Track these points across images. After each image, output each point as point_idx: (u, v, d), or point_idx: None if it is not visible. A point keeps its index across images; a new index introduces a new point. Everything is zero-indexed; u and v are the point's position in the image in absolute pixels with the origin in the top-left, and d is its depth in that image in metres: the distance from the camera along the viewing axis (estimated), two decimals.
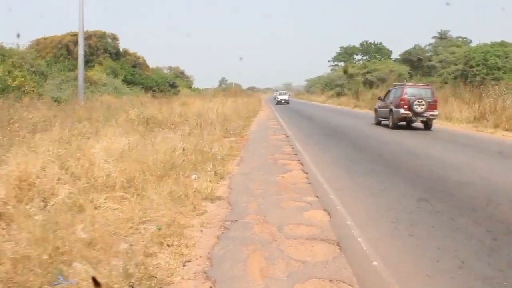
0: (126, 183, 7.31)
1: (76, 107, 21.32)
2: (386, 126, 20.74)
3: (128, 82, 48.68)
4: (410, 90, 20.42)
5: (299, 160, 11.25)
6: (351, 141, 15.55)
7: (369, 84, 58.73)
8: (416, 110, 19.32)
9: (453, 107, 26.31)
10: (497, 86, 23.64)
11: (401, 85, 22.08)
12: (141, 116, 18.44)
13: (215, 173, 9.09)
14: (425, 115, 19.57)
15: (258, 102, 54.00)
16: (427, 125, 20.04)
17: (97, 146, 9.03)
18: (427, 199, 7.03)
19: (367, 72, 64.52)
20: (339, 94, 66.81)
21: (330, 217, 6.17)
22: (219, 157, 11.72)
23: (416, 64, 73.30)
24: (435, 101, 20.44)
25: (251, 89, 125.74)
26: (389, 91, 22.82)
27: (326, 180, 8.71)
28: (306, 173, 9.52)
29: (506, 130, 18.71)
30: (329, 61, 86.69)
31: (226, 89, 78.03)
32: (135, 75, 52.21)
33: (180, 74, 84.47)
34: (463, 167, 10.21)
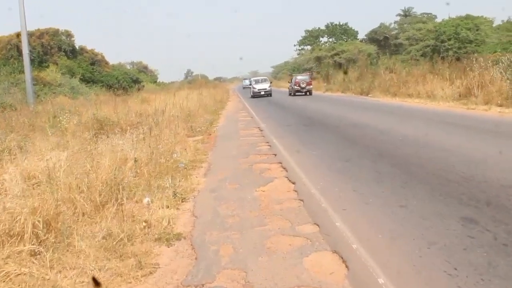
0: (44, 227, 5.05)
1: (24, 112, 18.90)
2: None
3: (86, 81, 46.12)
4: (299, 77, 40.45)
5: (280, 163, 9.13)
6: (338, 132, 13.45)
7: (338, 66, 57.08)
8: (302, 86, 38.12)
9: (433, 84, 24.61)
10: (481, 59, 21.89)
11: (295, 75, 43.71)
12: (94, 118, 16.05)
13: (174, 194, 6.88)
14: (306, 88, 38.21)
15: (226, 92, 51.61)
16: (308, 93, 38.26)
17: (11, 170, 6.73)
18: None
19: (335, 54, 62.83)
20: None
21: (347, 268, 4.01)
22: (182, 165, 9.54)
23: (383, 43, 72.43)
24: (310, 82, 39.39)
25: (218, 79, 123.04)
26: (292, 77, 43.50)
27: (322, 192, 6.58)
28: (293, 183, 7.39)
29: (500, 106, 16.94)
30: (295, 45, 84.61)
31: (192, 81, 75.30)
32: (94, 73, 49.50)
33: (143, 69, 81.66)
34: (496, 161, 8.17)
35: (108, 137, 14.32)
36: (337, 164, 8.71)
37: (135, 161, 8.59)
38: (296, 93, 38.36)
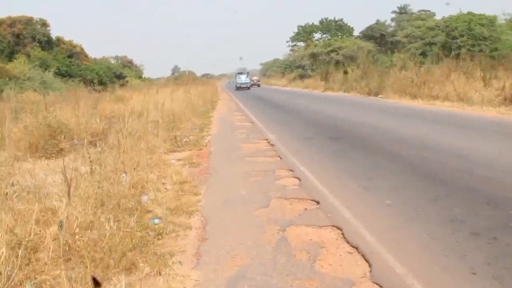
0: None
1: None
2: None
3: (62, 75, 41.75)
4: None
5: (337, 229, 4.91)
6: (392, 156, 9.06)
7: (334, 63, 53.04)
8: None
9: (463, 85, 20.66)
10: None
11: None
12: (45, 124, 11.77)
13: None
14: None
15: (215, 90, 47.09)
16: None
17: None
18: None
19: (332, 51, 58.74)
20: (302, 76, 60.78)
21: None
22: (155, 221, 5.38)
23: (379, 40, 69.12)
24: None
25: (206, 75, 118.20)
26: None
27: None
28: None
29: None
30: (287, 42, 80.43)
31: (179, 77, 70.87)
32: (72, 67, 45.15)
33: (128, 64, 77.40)
34: None
35: (47, 157, 10.20)
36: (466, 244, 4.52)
37: (60, 227, 4.37)
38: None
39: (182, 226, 5.34)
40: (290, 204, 6.00)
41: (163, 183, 7.22)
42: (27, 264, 3.98)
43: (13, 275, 3.67)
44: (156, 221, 5.49)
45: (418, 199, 5.71)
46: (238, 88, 54.65)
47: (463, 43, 38.25)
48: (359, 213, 5.33)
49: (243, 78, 57.46)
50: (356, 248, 4.35)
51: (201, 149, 11.14)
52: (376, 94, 27.74)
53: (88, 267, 3.88)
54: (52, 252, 4.17)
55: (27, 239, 4.28)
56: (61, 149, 11.13)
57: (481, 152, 8.30)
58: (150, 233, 5.04)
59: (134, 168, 8.11)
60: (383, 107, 20.05)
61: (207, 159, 9.84)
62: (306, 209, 5.73)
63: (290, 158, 9.07)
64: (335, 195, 6.13)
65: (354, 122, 14.50)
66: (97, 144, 10.87)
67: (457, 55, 29.66)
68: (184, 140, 12.61)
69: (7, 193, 5.52)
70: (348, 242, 4.53)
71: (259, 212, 5.72)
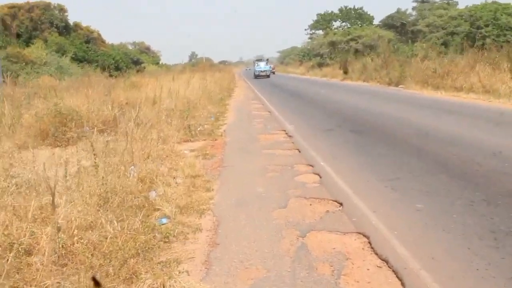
0: None
1: None
2: None
3: (79, 60, 41.65)
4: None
5: (367, 242, 4.39)
6: (424, 153, 8.46)
7: (355, 52, 52.00)
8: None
9: (489, 77, 19.82)
10: None
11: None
12: (55, 110, 11.45)
13: None
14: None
15: (232, 77, 46.49)
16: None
17: None
18: None
19: (351, 39, 57.67)
20: (320, 65, 59.84)
21: None
22: (163, 221, 4.95)
23: (400, 29, 67.82)
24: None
25: (223, 63, 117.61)
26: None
27: None
28: None
29: None
30: (306, 30, 79.34)
31: (196, 64, 70.41)
32: (88, 52, 44.99)
33: (145, 50, 77.53)
34: None
35: (57, 145, 9.86)
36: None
37: (57, 230, 3.94)
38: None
39: (191, 228, 4.88)
40: (310, 204, 5.49)
41: (174, 177, 6.75)
42: (17, 271, 3.56)
43: None
44: (164, 221, 5.05)
45: (452, 204, 5.16)
46: (257, 76, 51.04)
47: (488, 33, 37.07)
48: (387, 218, 4.81)
49: (262, 66, 52.86)
50: (386, 261, 3.84)
51: (216, 139, 10.68)
52: (397, 84, 26.95)
53: (84, 278, 3.43)
54: (47, 256, 3.74)
55: (20, 240, 3.86)
56: (72, 137, 10.79)
57: None
58: (156, 235, 4.59)
59: (145, 159, 7.68)
60: (405, 97, 19.34)
61: (222, 150, 9.37)
62: (328, 211, 5.22)
63: (309, 151, 8.55)
64: (359, 195, 5.60)
65: (376, 113, 13.85)
66: (107, 133, 10.51)
67: (482, 46, 28.64)
68: (198, 129, 12.16)
69: (6, 187, 5.13)
70: (376, 254, 4.02)
71: (276, 213, 5.23)
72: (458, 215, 4.80)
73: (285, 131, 11.30)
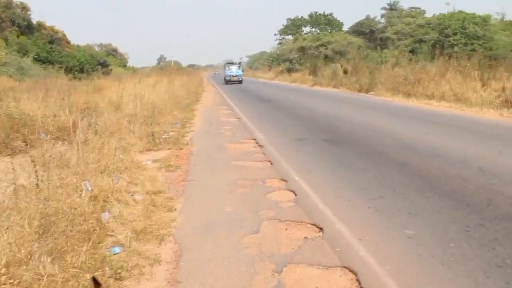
0: None
1: None
2: None
3: (42, 61, 39.98)
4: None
5: (347, 269, 3.76)
6: (389, 157, 8.10)
7: (323, 58, 51.85)
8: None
9: (462, 85, 19.72)
10: None
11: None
12: (6, 115, 10.57)
13: None
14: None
15: (200, 81, 45.55)
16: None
17: None
18: None
19: (321, 45, 57.53)
20: (290, 70, 59.53)
21: None
22: (116, 250, 4.21)
23: (369, 36, 68.27)
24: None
25: (192, 66, 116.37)
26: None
27: None
28: None
29: None
30: (275, 35, 79.06)
31: (164, 67, 69.19)
32: (52, 53, 43.43)
33: (113, 52, 75.89)
34: None
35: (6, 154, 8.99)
36: None
37: None
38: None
39: (149, 259, 4.14)
40: (286, 229, 4.82)
41: (132, 194, 5.98)
42: None
43: None
44: (117, 250, 4.30)
45: (446, 230, 4.57)
46: (228, 81, 46.58)
47: (456, 42, 37.31)
48: (375, 248, 4.17)
49: (234, 70, 48.20)
50: None
51: (181, 148, 9.92)
52: (367, 91, 26.72)
53: None
54: None
55: None
56: (25, 145, 9.90)
57: (506, 165, 7.19)
58: (106, 270, 3.84)
59: (101, 172, 6.89)
60: (377, 105, 18.95)
61: (187, 160, 8.63)
62: (306, 237, 4.55)
63: (282, 163, 7.89)
64: (341, 218, 4.96)
65: (349, 121, 13.34)
66: (62, 141, 9.66)
67: (450, 54, 28.69)
68: (163, 136, 11.38)
69: None
70: None
71: (248, 240, 4.54)
72: (455, 244, 4.20)
73: (255, 139, 10.63)
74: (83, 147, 7.79)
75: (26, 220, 4.20)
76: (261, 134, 11.19)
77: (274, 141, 10.16)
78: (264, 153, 8.95)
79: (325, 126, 12.62)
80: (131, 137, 10.24)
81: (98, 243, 4.33)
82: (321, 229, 4.75)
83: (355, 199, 5.71)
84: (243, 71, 49.65)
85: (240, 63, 52.65)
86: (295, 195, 6.01)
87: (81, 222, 4.65)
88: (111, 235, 4.58)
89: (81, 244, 4.08)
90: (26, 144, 9.94)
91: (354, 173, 7.10)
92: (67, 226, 4.38)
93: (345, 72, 34.39)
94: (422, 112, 15.61)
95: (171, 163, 8.35)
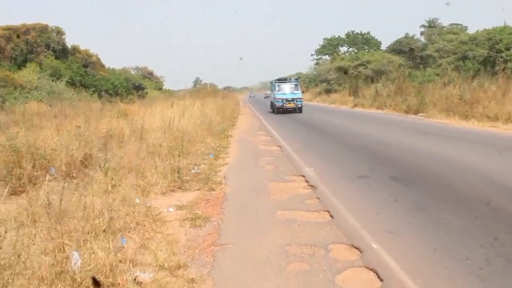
0: None
1: None
2: None
3: (76, 84, 39.56)
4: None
5: None
6: (490, 207, 5.94)
7: (364, 78, 49.71)
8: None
9: None
10: None
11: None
12: (11, 148, 8.90)
13: None
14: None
15: (236, 104, 43.89)
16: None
17: None
18: None
19: (360, 64, 55.42)
20: (328, 91, 57.53)
21: None
22: None
23: (408, 54, 65.75)
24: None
25: (227, 88, 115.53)
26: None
27: None
28: None
29: None
30: (312, 55, 77.19)
31: (200, 89, 68.37)
32: (86, 77, 42.93)
33: (148, 75, 75.81)
34: None
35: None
36: None
37: None
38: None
39: None
40: None
41: (135, 278, 4.04)
42: None
43: None
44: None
45: None
46: (279, 109, 29.72)
47: (509, 57, 34.59)
48: None
49: (288, 91, 30.40)
50: None
51: (213, 189, 8.00)
52: (416, 112, 24.50)
53: None
54: None
55: None
56: (30, 181, 8.20)
57: None
58: None
59: (104, 230, 5.04)
60: (434, 129, 16.61)
61: (220, 208, 6.69)
62: None
63: (346, 216, 5.84)
64: None
65: (412, 150, 11.14)
66: (70, 179, 8.02)
67: (504, 69, 26.10)
68: (192, 171, 9.53)
69: None
70: None
71: None
72: None
73: (303, 177, 8.60)
74: (84, 192, 6.03)
75: None
76: (310, 169, 9.15)
77: (328, 180, 8.12)
78: (318, 198, 6.92)
79: (385, 157, 10.44)
80: (152, 174, 8.40)
81: None
82: None
83: (464, 282, 3.61)
84: (302, 92, 32.44)
85: (298, 79, 34.28)
86: (381, 280, 3.94)
87: None
88: None
89: None
90: (30, 182, 8.27)
91: (446, 232, 4.98)
92: None
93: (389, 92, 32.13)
94: (495, 138, 13.22)
95: (199, 212, 6.45)
